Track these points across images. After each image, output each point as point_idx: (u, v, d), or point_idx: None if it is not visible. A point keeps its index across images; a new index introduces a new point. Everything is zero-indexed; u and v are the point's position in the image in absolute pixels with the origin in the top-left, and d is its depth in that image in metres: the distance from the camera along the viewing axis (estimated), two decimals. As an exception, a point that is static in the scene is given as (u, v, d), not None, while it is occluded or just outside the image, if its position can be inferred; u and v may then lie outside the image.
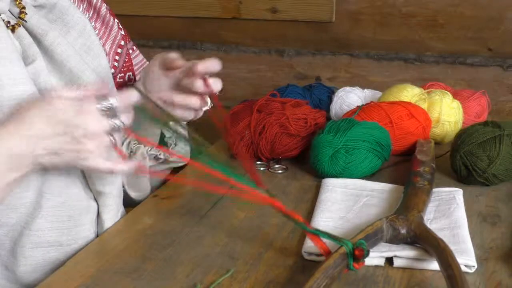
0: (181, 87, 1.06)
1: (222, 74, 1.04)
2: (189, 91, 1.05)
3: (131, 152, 1.15)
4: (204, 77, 1.04)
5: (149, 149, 1.16)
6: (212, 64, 1.03)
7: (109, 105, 0.89)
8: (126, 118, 0.91)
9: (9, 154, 0.85)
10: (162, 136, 1.15)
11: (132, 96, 0.93)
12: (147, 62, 1.26)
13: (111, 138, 0.90)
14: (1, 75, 0.91)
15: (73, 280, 0.88)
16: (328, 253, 0.86)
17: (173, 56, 1.07)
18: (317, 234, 0.88)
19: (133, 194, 1.16)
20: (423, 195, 1.03)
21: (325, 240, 0.88)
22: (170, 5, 2.04)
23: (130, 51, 1.22)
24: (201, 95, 1.06)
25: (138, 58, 1.25)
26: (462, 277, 0.79)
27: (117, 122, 0.90)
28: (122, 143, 1.15)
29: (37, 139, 0.86)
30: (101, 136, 0.89)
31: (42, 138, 0.87)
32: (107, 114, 0.89)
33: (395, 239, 0.93)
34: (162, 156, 1.17)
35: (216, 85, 1.05)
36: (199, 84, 1.03)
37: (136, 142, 1.16)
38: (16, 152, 0.86)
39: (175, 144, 1.18)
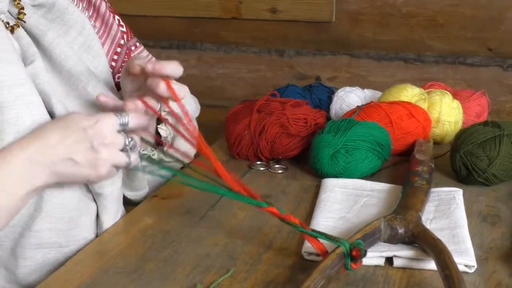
0: (143, 90, 1.00)
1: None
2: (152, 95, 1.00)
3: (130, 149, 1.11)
4: (167, 80, 0.97)
5: (142, 149, 1.08)
6: (172, 69, 0.96)
7: (125, 122, 0.93)
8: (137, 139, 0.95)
9: (28, 162, 0.88)
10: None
11: (144, 118, 0.96)
12: (153, 59, 1.24)
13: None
14: (1, 76, 0.91)
15: (73, 280, 0.88)
16: (325, 254, 0.86)
17: (135, 61, 0.99)
18: (314, 236, 0.88)
19: (128, 193, 1.14)
20: (421, 194, 1.03)
21: (322, 240, 0.88)
22: (170, 5, 2.04)
23: (133, 47, 1.20)
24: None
25: (141, 54, 1.22)
26: (460, 278, 0.79)
27: (128, 139, 0.94)
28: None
29: (55, 145, 0.89)
30: (115, 147, 0.92)
31: (61, 144, 0.89)
32: (121, 130, 0.93)
33: (393, 239, 0.93)
34: (155, 157, 1.11)
35: (180, 91, 0.98)
36: (162, 87, 0.96)
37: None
38: (34, 159, 0.88)
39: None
